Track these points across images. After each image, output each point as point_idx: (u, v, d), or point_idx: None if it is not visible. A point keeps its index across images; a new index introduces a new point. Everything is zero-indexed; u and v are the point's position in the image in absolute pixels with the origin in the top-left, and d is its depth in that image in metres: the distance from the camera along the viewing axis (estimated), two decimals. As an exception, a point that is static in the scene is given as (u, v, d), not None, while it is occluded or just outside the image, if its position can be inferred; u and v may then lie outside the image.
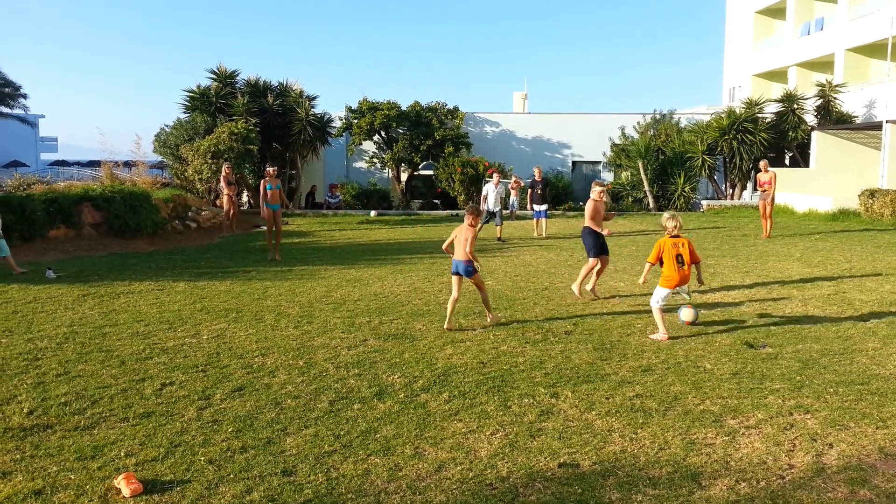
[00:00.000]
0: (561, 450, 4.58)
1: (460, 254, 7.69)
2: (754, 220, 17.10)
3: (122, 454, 4.55)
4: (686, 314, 7.80)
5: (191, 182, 22.29)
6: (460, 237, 7.69)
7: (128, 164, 24.51)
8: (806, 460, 4.40)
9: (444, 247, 7.99)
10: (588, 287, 9.39)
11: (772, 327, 7.67)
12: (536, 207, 17.30)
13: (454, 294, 7.81)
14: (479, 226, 13.20)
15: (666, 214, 7.46)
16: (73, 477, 4.24)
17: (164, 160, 25.53)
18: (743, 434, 4.81)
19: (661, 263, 7.37)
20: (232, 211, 18.50)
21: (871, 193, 19.23)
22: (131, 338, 7.43)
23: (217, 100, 24.74)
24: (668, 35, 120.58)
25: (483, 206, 15.91)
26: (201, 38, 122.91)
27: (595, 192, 9.32)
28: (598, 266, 9.33)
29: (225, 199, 18.44)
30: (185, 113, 25.12)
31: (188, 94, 25.13)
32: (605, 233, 9.17)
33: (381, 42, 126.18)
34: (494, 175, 16.67)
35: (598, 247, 9.25)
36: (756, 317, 8.18)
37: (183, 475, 4.27)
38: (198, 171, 21.48)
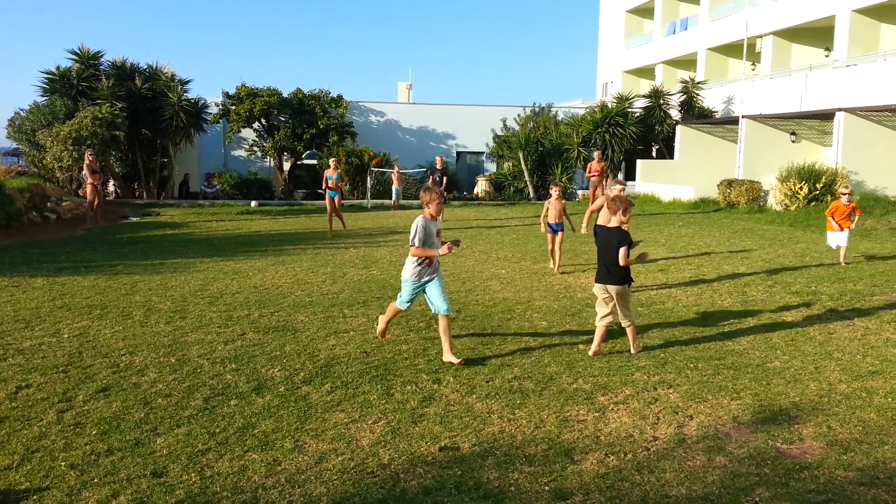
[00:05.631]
0: (442, 434, 4.65)
1: (553, 217, 10.55)
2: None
3: (-31, 465, 4.17)
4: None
5: (50, 170, 20.75)
6: (552, 207, 10.62)
7: (-24, 151, 22.46)
8: (668, 432, 4.70)
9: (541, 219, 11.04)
10: None
11: (639, 308, 8.13)
12: None
13: (549, 246, 10.77)
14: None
15: (842, 188, 11.31)
16: None
17: (20, 147, 23.59)
18: (612, 410, 5.07)
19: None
20: (97, 201, 17.36)
21: (729, 183, 20.80)
22: (-20, 339, 6.81)
23: (79, 82, 23.09)
24: (547, 30, 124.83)
25: None
26: (60, 14, 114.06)
27: None
28: None
29: (89, 188, 17.27)
30: (42, 96, 23.30)
31: (46, 75, 23.31)
32: None
33: (261, 26, 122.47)
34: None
35: None
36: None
37: (41, 482, 3.97)
38: (57, 159, 20.01)
